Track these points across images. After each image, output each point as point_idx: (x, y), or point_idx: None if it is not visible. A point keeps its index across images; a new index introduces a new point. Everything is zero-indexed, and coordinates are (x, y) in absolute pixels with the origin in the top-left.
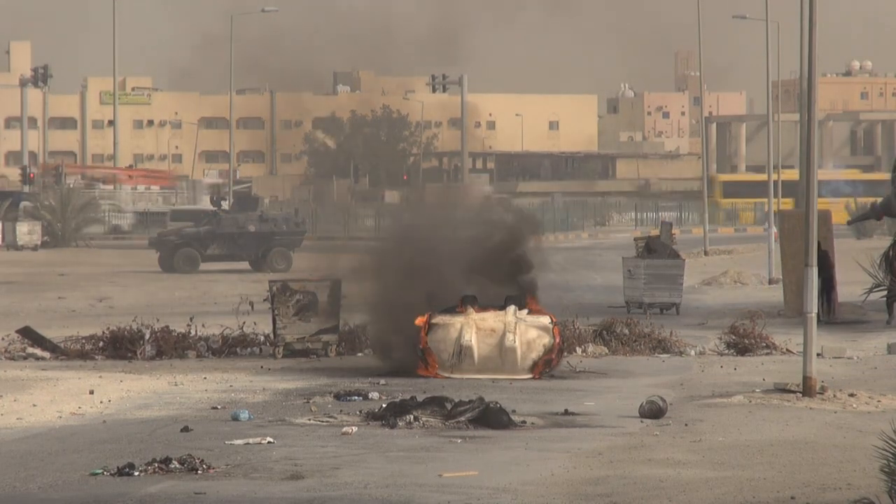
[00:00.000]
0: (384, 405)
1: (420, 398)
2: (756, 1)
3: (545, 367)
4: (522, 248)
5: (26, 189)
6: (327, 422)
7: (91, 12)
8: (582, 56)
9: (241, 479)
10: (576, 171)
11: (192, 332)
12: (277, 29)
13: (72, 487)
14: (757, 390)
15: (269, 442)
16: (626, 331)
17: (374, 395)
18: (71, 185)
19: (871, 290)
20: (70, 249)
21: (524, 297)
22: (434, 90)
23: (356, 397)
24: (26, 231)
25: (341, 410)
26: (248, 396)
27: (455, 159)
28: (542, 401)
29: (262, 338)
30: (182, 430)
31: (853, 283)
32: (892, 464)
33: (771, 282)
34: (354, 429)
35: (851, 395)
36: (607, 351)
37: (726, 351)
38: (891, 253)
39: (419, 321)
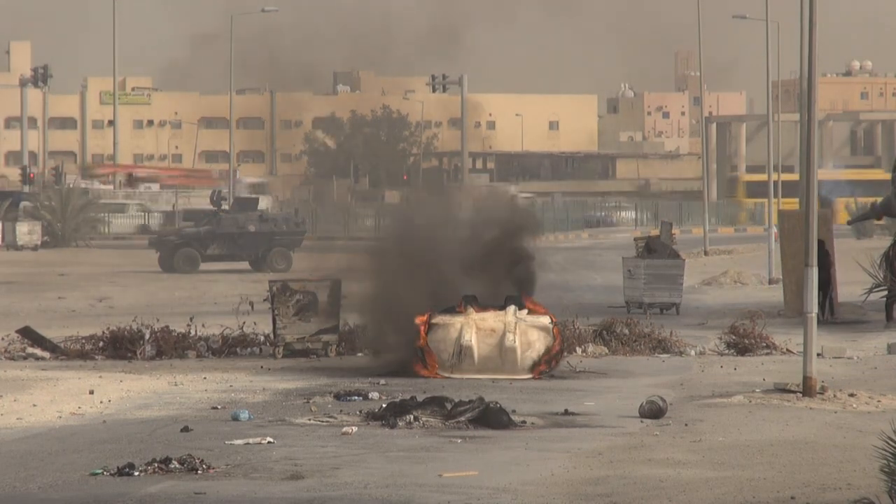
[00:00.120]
0: (384, 405)
1: (420, 398)
2: (756, 1)
3: (545, 367)
4: (520, 240)
5: (26, 189)
6: (327, 422)
7: (91, 12)
8: (582, 56)
9: (241, 479)
10: (576, 171)
11: (192, 332)
12: (277, 29)
13: (72, 487)
14: (757, 390)
15: (269, 442)
16: (626, 331)
17: (374, 395)
18: (120, 183)
19: (871, 290)
20: (70, 249)
21: (522, 293)
22: (434, 90)
23: (356, 397)
24: (26, 231)
25: (341, 410)
26: (248, 396)
27: (455, 159)
28: (542, 401)
29: (262, 338)
30: (182, 430)
31: (853, 283)
32: (892, 464)
33: (771, 282)
34: (354, 429)
35: (851, 395)
36: (607, 351)
37: (726, 351)
38: (891, 253)
39: (419, 321)
